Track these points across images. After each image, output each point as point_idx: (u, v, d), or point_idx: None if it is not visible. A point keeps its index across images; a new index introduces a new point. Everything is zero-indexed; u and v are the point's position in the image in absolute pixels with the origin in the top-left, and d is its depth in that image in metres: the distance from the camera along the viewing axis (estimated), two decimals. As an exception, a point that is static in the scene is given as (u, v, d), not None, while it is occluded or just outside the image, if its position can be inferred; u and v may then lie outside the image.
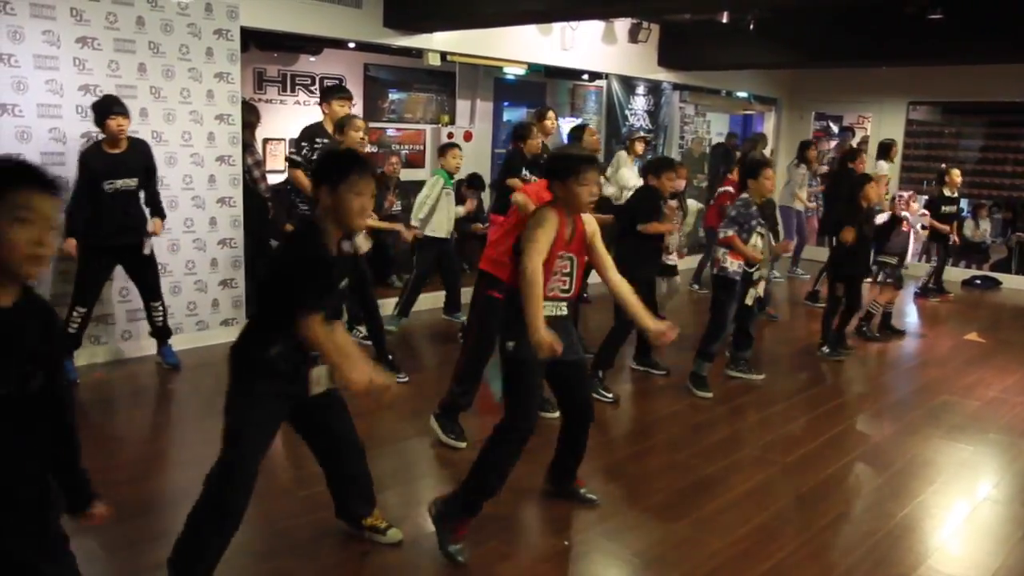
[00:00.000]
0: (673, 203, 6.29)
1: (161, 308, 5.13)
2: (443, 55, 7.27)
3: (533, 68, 8.61)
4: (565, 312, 3.15)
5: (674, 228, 5.55)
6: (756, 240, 5.11)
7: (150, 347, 5.35)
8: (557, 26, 8.04)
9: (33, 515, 1.85)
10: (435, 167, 6.83)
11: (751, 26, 8.21)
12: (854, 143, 10.74)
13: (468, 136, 8.99)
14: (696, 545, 3.28)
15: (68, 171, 4.77)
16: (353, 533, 3.16)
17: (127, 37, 5.18)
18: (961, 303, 8.94)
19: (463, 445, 4.10)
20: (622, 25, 8.80)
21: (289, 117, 7.80)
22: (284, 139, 7.78)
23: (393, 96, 8.87)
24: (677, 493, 3.77)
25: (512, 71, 8.82)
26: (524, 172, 5.65)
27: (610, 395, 4.98)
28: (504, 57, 7.95)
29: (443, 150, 6.18)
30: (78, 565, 1.98)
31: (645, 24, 8.90)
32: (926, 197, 9.37)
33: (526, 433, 3.06)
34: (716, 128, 12.29)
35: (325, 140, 5.19)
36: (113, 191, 4.76)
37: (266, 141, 7.77)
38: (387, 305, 5.98)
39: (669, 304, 6.90)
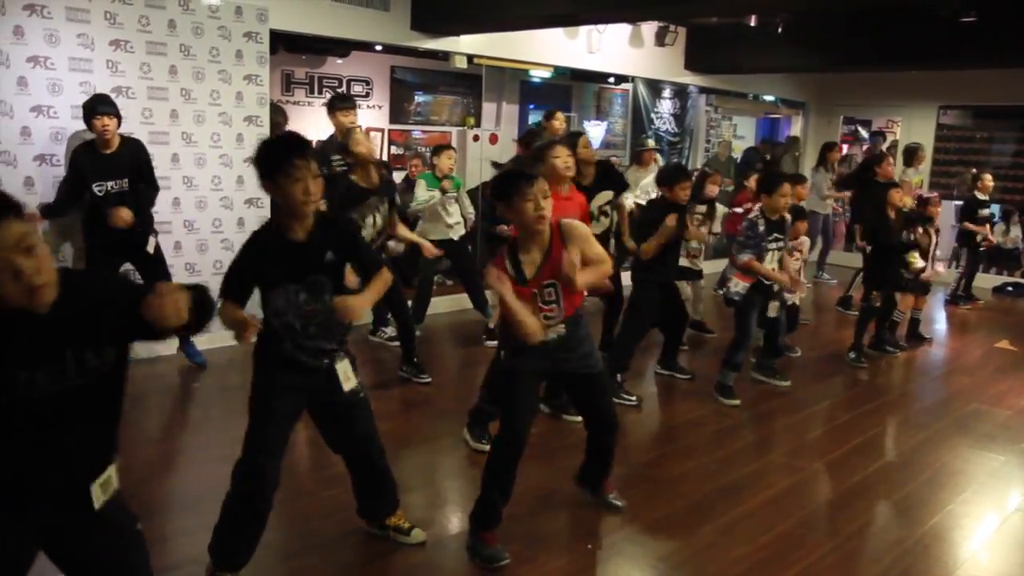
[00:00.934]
0: (702, 208, 6.24)
1: None
2: (469, 58, 7.30)
3: (559, 71, 8.60)
4: (564, 331, 3.05)
5: (702, 236, 5.49)
6: (771, 259, 5.03)
7: (173, 344, 5.36)
8: (583, 29, 8.04)
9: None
10: (457, 170, 6.80)
11: (779, 29, 8.16)
12: (884, 147, 10.61)
13: (494, 139, 9.00)
14: (720, 551, 3.26)
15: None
16: (376, 533, 3.18)
17: (159, 40, 5.26)
18: (992, 310, 8.80)
19: None
20: (649, 28, 8.78)
21: (316, 119, 7.84)
22: (311, 141, 7.82)
23: (419, 98, 8.91)
24: (701, 498, 3.75)
25: (538, 74, 8.82)
26: None
27: (632, 398, 4.95)
28: (530, 60, 7.96)
29: (436, 151, 6.17)
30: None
31: (672, 27, 8.86)
32: (958, 203, 9.23)
33: (514, 443, 3.01)
34: (742, 132, 12.20)
35: (336, 157, 5.21)
36: (104, 194, 4.68)
37: (293, 143, 7.82)
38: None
39: (701, 307, 6.88)
